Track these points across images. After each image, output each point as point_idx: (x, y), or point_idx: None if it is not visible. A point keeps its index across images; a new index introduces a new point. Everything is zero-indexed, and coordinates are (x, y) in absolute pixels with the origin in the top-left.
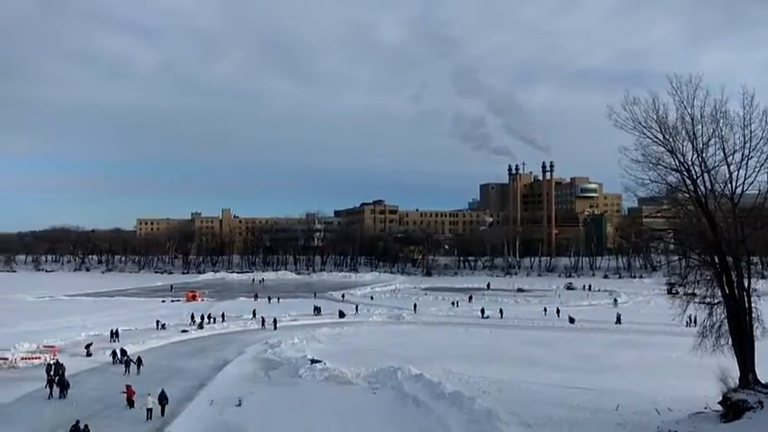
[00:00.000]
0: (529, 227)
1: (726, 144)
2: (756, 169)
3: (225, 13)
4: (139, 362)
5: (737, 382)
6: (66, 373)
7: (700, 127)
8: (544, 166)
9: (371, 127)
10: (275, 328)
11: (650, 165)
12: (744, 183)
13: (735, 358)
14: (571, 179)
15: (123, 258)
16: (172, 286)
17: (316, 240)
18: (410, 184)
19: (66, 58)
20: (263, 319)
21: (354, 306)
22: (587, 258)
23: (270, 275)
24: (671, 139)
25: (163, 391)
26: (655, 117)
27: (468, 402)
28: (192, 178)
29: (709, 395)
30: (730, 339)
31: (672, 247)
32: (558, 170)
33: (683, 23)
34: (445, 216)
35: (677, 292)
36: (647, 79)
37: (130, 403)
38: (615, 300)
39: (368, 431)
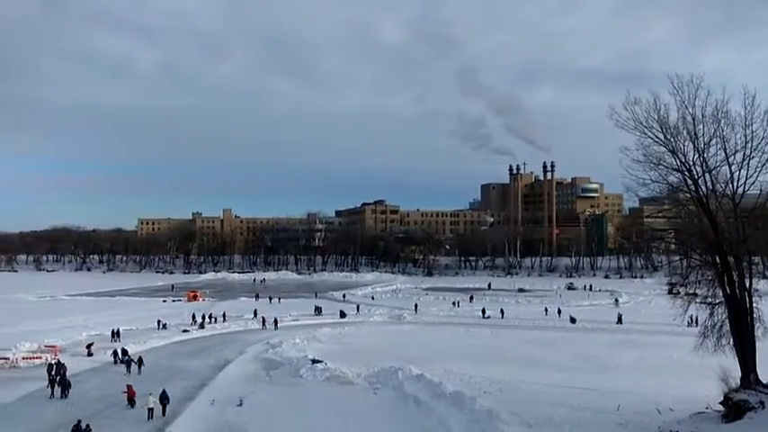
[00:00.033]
0: (530, 227)
1: (727, 144)
2: (758, 169)
3: (225, 13)
4: (140, 362)
5: (739, 382)
6: (67, 373)
7: (701, 127)
8: (545, 166)
9: (372, 127)
10: (276, 328)
11: (651, 165)
12: (745, 183)
13: (736, 358)
14: (572, 179)
15: (124, 258)
16: (173, 286)
17: (317, 240)
18: (411, 184)
19: (66, 58)
20: (263, 319)
21: (355, 306)
22: (588, 258)
23: (271, 275)
24: (672, 139)
25: (164, 391)
26: (656, 117)
27: (469, 402)
28: (193, 178)
29: (711, 395)
30: (731, 339)
31: (673, 247)
32: (559, 170)
33: (682, 23)
34: (446, 216)
35: (678, 293)
36: (649, 79)
37: (131, 403)
38: (616, 300)
39: (369, 431)
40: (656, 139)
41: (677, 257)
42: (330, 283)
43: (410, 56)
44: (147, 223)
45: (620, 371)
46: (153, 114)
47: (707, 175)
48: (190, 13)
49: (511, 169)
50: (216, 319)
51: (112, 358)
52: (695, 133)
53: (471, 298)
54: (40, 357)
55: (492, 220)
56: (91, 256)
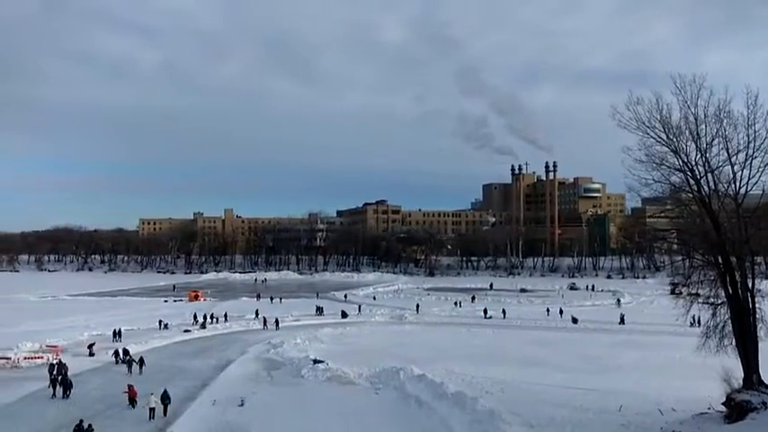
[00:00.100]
0: (532, 227)
1: (729, 144)
2: (760, 169)
3: (226, 14)
4: (142, 362)
5: (741, 382)
6: (68, 373)
7: (703, 127)
8: (547, 166)
9: (373, 127)
10: (277, 328)
11: (654, 165)
12: (747, 183)
13: (738, 359)
14: (574, 179)
15: (126, 258)
16: (174, 286)
17: (318, 240)
18: (413, 184)
19: (66, 58)
20: (265, 319)
21: (357, 306)
22: (590, 258)
23: (272, 275)
24: (674, 139)
25: (165, 391)
26: (658, 117)
27: (470, 403)
28: (194, 178)
29: (713, 396)
30: (734, 340)
31: (675, 247)
32: (562, 170)
33: (683, 23)
34: (448, 216)
35: (681, 293)
36: (651, 79)
37: (132, 403)
38: (618, 300)
39: (370, 431)
40: (659, 140)
41: (679, 258)
42: (331, 283)
43: (411, 56)
44: (149, 223)
45: (622, 371)
46: (153, 114)
47: (709, 175)
48: (190, 13)
49: (513, 169)
50: (217, 319)
51: (114, 358)
52: (698, 133)
53: (473, 298)
54: (42, 357)
55: (494, 220)
56: (92, 256)
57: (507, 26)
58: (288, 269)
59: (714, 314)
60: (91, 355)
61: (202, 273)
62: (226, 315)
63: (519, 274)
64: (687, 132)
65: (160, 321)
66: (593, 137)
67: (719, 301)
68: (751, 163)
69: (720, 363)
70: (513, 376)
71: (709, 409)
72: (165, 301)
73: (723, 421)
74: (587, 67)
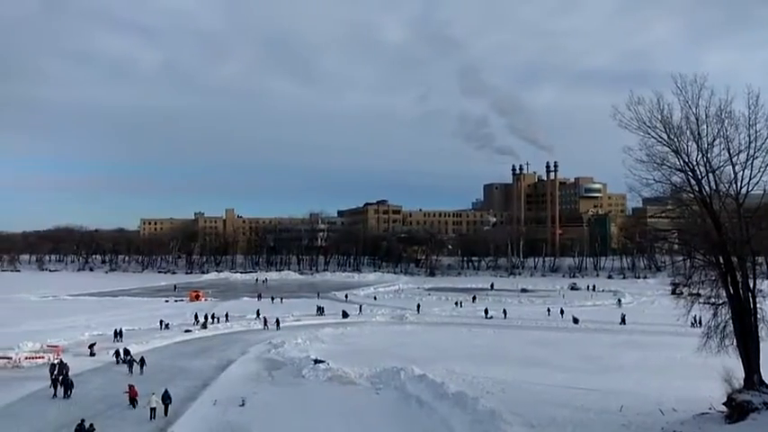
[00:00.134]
0: (533, 227)
1: (731, 144)
2: (761, 169)
3: (226, 14)
4: (142, 362)
5: (742, 382)
6: (69, 373)
7: (704, 127)
8: (548, 166)
9: (374, 127)
10: (278, 328)
11: (655, 165)
12: (749, 183)
13: (739, 359)
14: (575, 179)
15: (127, 258)
16: (175, 286)
17: (319, 240)
18: (413, 184)
19: (66, 58)
20: (265, 319)
21: (358, 306)
22: (591, 259)
23: (273, 275)
24: (675, 139)
25: (166, 391)
26: (659, 117)
27: (471, 403)
28: (195, 178)
29: (714, 396)
30: (735, 340)
31: (676, 247)
32: (562, 170)
33: (683, 23)
34: (449, 216)
35: (682, 293)
36: (652, 79)
37: (133, 403)
38: (619, 300)
39: (371, 431)
40: (660, 139)
41: (680, 258)
42: (332, 283)
43: (411, 56)
44: (150, 223)
45: (623, 371)
46: (153, 114)
47: (710, 175)
48: (190, 13)
49: (514, 169)
50: (218, 319)
51: (114, 358)
52: (699, 133)
53: (474, 298)
54: (43, 357)
55: (495, 220)
56: (93, 256)
57: (507, 26)
58: (289, 269)
59: (715, 314)
60: (92, 354)
61: (203, 273)
62: (227, 315)
63: (520, 274)
64: (688, 132)
65: (161, 321)
66: (594, 137)
67: (720, 302)
68: (752, 163)
69: (721, 363)
70: (514, 376)
71: (710, 409)
72: (166, 301)
73: (724, 421)
74: (588, 67)
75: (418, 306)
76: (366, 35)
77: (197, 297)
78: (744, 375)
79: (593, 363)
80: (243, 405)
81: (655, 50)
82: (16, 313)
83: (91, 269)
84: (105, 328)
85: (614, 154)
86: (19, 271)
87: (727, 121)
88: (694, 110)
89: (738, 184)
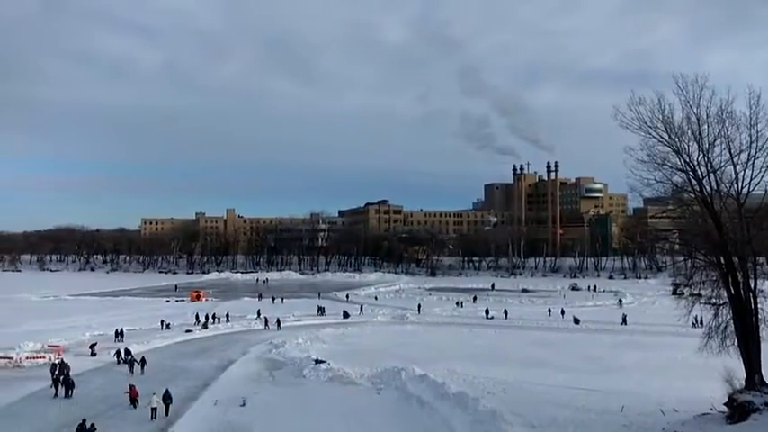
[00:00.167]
0: (533, 227)
1: (732, 144)
2: (763, 169)
3: (226, 14)
4: (143, 362)
5: (743, 383)
6: (70, 373)
7: (705, 127)
8: (549, 166)
9: (374, 127)
10: (279, 328)
11: (656, 165)
12: (750, 183)
13: (741, 359)
14: (576, 179)
15: (128, 258)
16: (176, 286)
17: (320, 240)
18: (414, 185)
19: (66, 58)
20: (266, 319)
21: (358, 306)
22: (592, 259)
23: (274, 275)
24: (676, 140)
25: (167, 391)
26: (660, 117)
27: (472, 403)
28: (195, 178)
29: (715, 396)
30: (736, 340)
31: (677, 247)
32: (563, 170)
33: (685, 24)
34: (450, 216)
35: (683, 293)
36: (653, 79)
37: (134, 403)
38: (620, 300)
39: (372, 431)
40: (661, 140)
41: (681, 258)
42: (333, 283)
43: (412, 56)
44: (151, 223)
45: (624, 372)
46: (154, 114)
47: (711, 175)
48: (190, 13)
49: (515, 169)
50: (219, 319)
51: (115, 358)
52: (700, 133)
53: (475, 298)
54: (44, 357)
55: (495, 220)
56: (94, 256)
57: (508, 26)
58: (289, 269)
59: (716, 315)
60: (93, 354)
61: (204, 273)
62: (227, 315)
63: (521, 274)
64: (689, 132)
65: (162, 321)
66: (595, 137)
67: (721, 302)
68: (753, 163)
69: (722, 363)
70: (515, 376)
71: (711, 409)
72: (167, 301)
73: (725, 422)
74: (589, 68)
75: (419, 306)
76: (366, 35)
77: (198, 297)
78: (745, 376)
79: (594, 363)
80: (244, 405)
81: (656, 50)
82: (17, 313)
83: (92, 269)
84: (106, 328)
85: (615, 154)
86: (20, 271)
87: (728, 121)
88: (695, 110)
89: (739, 184)
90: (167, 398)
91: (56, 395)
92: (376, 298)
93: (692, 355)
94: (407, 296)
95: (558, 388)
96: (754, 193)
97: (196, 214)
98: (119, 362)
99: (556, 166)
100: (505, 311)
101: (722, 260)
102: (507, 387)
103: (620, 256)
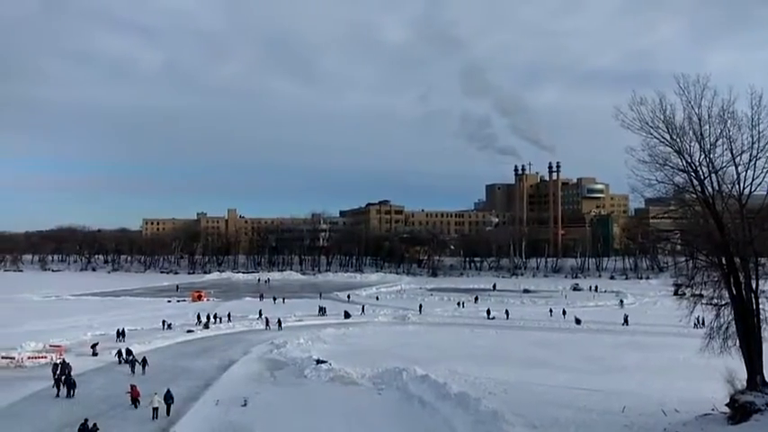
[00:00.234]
0: (535, 227)
1: (733, 144)
2: (764, 170)
3: (227, 14)
4: (144, 362)
5: (745, 383)
6: (72, 373)
7: (707, 127)
8: (550, 167)
9: (375, 127)
10: (280, 328)
11: (657, 165)
12: (752, 183)
13: (742, 360)
14: (578, 180)
15: (129, 258)
16: (178, 286)
17: (321, 241)
18: (415, 185)
19: (66, 58)
20: (267, 319)
21: (360, 306)
22: (594, 259)
23: (275, 276)
24: (678, 140)
25: (168, 391)
26: (662, 117)
27: (473, 403)
28: (196, 178)
29: (717, 397)
30: (738, 341)
31: (679, 248)
32: (565, 170)
33: (686, 24)
34: (451, 216)
35: (684, 294)
36: (655, 79)
37: (135, 403)
38: (622, 301)
39: (373, 431)
40: (662, 140)
41: (683, 258)
42: (334, 283)
43: (413, 56)
44: (152, 223)
45: (625, 372)
46: (154, 114)
47: (713, 175)
48: (191, 13)
49: (516, 169)
50: (220, 319)
51: (117, 358)
52: (701, 134)
53: (476, 299)
54: (46, 357)
55: (497, 220)
56: (96, 256)
57: (509, 26)
58: (291, 269)
59: (718, 315)
60: (94, 354)
61: (206, 273)
62: (229, 315)
63: (522, 274)
64: (691, 133)
65: (163, 321)
66: (597, 137)
67: (723, 302)
68: (755, 163)
69: (724, 364)
70: (517, 377)
71: (712, 410)
72: (169, 302)
73: (727, 422)
74: (590, 68)
75: (420, 306)
76: (366, 35)
77: (199, 297)
78: (746, 376)
79: (596, 363)
80: (245, 405)
81: (657, 51)
82: (19, 313)
83: (93, 269)
84: (108, 328)
85: (617, 154)
86: (22, 271)
87: (729, 121)
88: (697, 110)
89: (741, 184)
90: (169, 398)
91: (57, 395)
92: (377, 298)
93: (694, 355)
94: (409, 296)
95: (560, 388)
96: (755, 193)
97: (197, 214)
98: (120, 362)
99: (557, 166)
100: (507, 312)
101: (724, 261)
102: (509, 387)
103: (621, 257)
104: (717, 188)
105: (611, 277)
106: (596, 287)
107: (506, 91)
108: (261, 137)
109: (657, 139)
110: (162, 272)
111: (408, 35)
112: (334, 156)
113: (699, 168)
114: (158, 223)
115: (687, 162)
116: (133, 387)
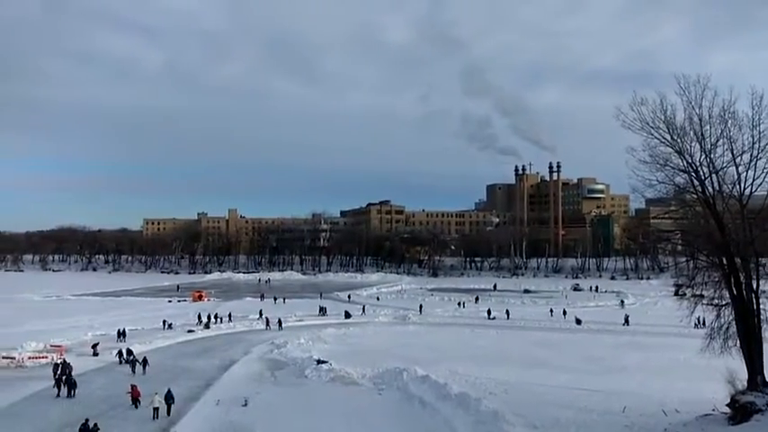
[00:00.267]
0: (536, 227)
1: (734, 145)
2: (765, 170)
3: (230, 14)
4: (145, 362)
5: (745, 384)
6: (72, 373)
7: (708, 127)
8: (551, 167)
9: (376, 127)
10: (281, 328)
11: (658, 165)
12: (752, 184)
13: (743, 360)
14: (578, 180)
15: (130, 258)
16: (178, 286)
17: (322, 241)
18: (416, 185)
19: (68, 58)
20: (267, 319)
21: (360, 307)
22: (594, 259)
23: (276, 276)
24: (679, 140)
25: (169, 391)
26: (662, 118)
27: (474, 404)
28: (197, 178)
29: (717, 397)
30: (738, 341)
31: (679, 248)
32: (565, 171)
33: (688, 24)
34: (452, 216)
35: (685, 294)
36: (655, 80)
37: (135, 403)
38: (622, 301)
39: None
40: (663, 140)
41: (684, 259)
42: (335, 283)
43: (414, 56)
44: (153, 223)
45: (626, 372)
46: (155, 114)
47: (714, 176)
48: (193, 14)
49: (517, 170)
50: (221, 319)
51: (117, 358)
52: (702, 134)
53: (477, 299)
54: (46, 357)
55: (497, 220)
56: (96, 256)
57: (511, 26)
58: (291, 269)
59: (718, 315)
60: (95, 354)
61: (206, 273)
62: (229, 315)
63: (522, 274)
64: (691, 133)
65: (164, 321)
66: (597, 137)
67: (724, 303)
68: (756, 164)
69: (725, 364)
70: (517, 377)
71: (713, 410)
72: (169, 302)
73: (727, 423)
74: (592, 68)
75: (421, 307)
76: (368, 35)
77: (200, 297)
78: (747, 377)
79: (596, 364)
80: (246, 405)
81: (658, 51)
82: (20, 313)
83: (94, 269)
84: (108, 328)
85: (617, 155)
86: (22, 271)
87: (730, 121)
88: (697, 110)
89: (742, 184)
90: (169, 398)
91: (58, 395)
92: (378, 298)
93: (695, 355)
94: (409, 297)
95: (560, 389)
96: (756, 193)
97: (198, 214)
98: (121, 362)
99: (558, 166)
100: (507, 312)
101: (724, 261)
102: (509, 388)
103: (622, 257)
104: (717, 188)
105: (612, 277)
106: (597, 287)
107: (507, 91)
108: (262, 137)
109: (658, 139)
110: (163, 272)
111: (410, 35)
112: (335, 156)
113: (699, 169)
114: (159, 223)
115: (688, 162)
116: (134, 387)
